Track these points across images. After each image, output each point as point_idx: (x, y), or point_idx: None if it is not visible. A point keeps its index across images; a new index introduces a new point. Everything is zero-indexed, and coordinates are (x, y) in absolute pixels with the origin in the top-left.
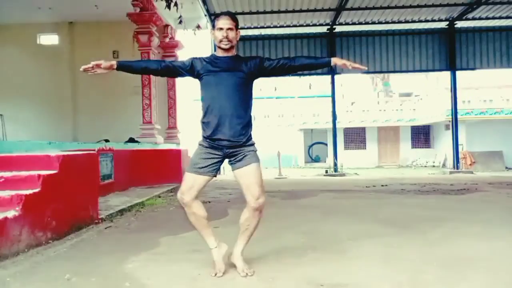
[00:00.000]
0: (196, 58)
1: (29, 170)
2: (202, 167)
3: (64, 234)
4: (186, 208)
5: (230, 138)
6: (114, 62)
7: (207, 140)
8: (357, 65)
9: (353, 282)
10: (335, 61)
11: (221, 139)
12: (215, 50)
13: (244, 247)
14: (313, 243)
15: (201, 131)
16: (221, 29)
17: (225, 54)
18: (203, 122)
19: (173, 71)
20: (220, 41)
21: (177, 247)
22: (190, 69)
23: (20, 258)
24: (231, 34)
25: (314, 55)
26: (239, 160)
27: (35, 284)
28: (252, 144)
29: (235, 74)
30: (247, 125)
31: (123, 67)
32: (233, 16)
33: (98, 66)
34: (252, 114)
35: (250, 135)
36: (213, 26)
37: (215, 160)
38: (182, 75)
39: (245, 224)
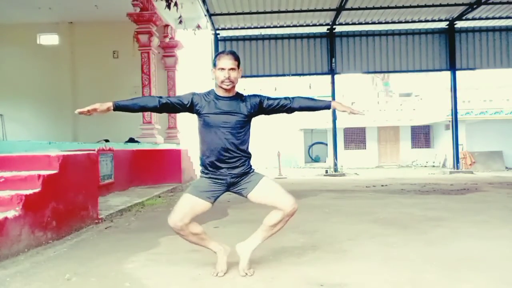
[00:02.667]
0: (196, 94)
1: (29, 170)
2: (205, 191)
3: (64, 234)
4: (181, 233)
5: (232, 172)
6: (110, 104)
7: (209, 173)
8: (356, 111)
9: (353, 282)
10: (335, 105)
11: (223, 174)
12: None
13: (257, 246)
14: (313, 243)
15: (200, 166)
16: (222, 69)
17: (226, 94)
18: (203, 159)
19: (172, 108)
20: (222, 81)
21: (177, 247)
22: (189, 107)
23: (20, 258)
24: (233, 75)
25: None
26: (247, 183)
27: (35, 284)
28: (253, 170)
29: (235, 115)
30: (247, 158)
31: (120, 107)
32: (235, 55)
33: (94, 110)
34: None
35: (251, 165)
36: (214, 65)
37: (218, 188)
38: (181, 112)
39: (272, 226)
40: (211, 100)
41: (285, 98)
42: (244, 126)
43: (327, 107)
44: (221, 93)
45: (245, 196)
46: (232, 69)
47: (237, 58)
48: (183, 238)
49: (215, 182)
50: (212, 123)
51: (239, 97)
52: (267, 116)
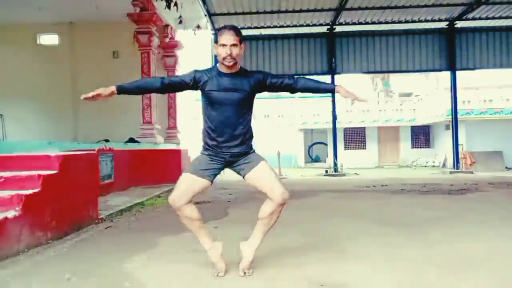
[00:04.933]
0: (198, 71)
1: (29, 170)
2: (204, 169)
3: (64, 234)
4: (178, 212)
5: (232, 151)
6: (113, 88)
7: (209, 150)
8: (360, 98)
9: (353, 282)
10: (338, 89)
11: (224, 152)
12: (216, 61)
13: (260, 243)
14: (313, 243)
15: (202, 142)
16: (224, 45)
17: (229, 71)
18: (205, 135)
19: (174, 87)
20: (224, 58)
21: (177, 247)
22: (192, 84)
23: (20, 258)
24: (235, 51)
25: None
26: (246, 163)
27: (35, 284)
28: (254, 151)
29: (238, 92)
30: (249, 137)
31: (124, 90)
32: (237, 30)
33: (98, 95)
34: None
35: (251, 145)
36: (216, 41)
37: (217, 166)
38: (184, 90)
39: (266, 219)
40: (214, 77)
41: (289, 78)
42: (247, 103)
43: (331, 90)
44: (223, 69)
45: (242, 176)
46: (234, 45)
47: (239, 34)
48: (181, 220)
49: (214, 159)
50: (215, 100)
51: (242, 73)
52: (270, 92)
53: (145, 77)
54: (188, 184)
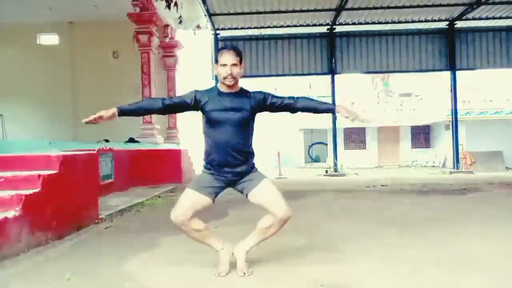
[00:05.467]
0: (198, 92)
1: (29, 170)
2: (207, 187)
3: (64, 234)
4: (182, 227)
5: (234, 170)
6: (114, 110)
7: (212, 169)
8: (361, 118)
9: (353, 282)
10: (339, 110)
11: (225, 171)
12: (216, 82)
13: (251, 248)
14: (313, 243)
15: (203, 162)
16: (225, 65)
17: (229, 90)
18: (207, 156)
19: (175, 108)
20: (224, 78)
21: (177, 247)
22: (193, 105)
23: (20, 258)
24: (236, 70)
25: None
26: (248, 181)
27: (35, 284)
28: (256, 169)
29: (239, 112)
30: (251, 156)
31: (125, 112)
32: (237, 50)
33: (100, 118)
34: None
35: (253, 163)
36: (216, 61)
37: (219, 185)
38: (185, 111)
39: (264, 229)
40: (215, 97)
41: (289, 98)
42: (248, 122)
43: (331, 110)
44: (224, 89)
45: (245, 195)
46: (234, 64)
47: (239, 54)
48: (186, 234)
49: (216, 178)
50: (216, 120)
51: (243, 92)
52: (270, 113)
53: (146, 99)
54: (192, 201)
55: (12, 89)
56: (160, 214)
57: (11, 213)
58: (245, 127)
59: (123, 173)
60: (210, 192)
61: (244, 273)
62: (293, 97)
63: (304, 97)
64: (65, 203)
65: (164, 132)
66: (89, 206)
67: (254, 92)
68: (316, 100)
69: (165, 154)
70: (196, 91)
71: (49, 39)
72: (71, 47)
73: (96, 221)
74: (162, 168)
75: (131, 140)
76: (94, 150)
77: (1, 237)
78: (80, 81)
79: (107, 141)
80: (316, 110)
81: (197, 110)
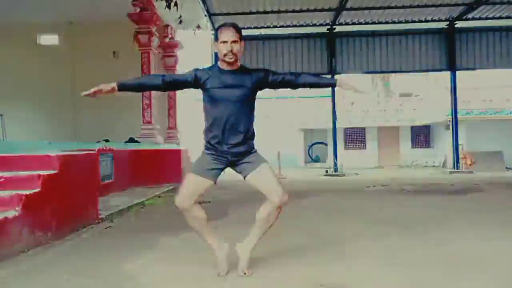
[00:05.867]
0: (199, 69)
1: (29, 170)
2: (208, 169)
3: (64, 234)
4: (185, 213)
5: (234, 150)
6: (114, 85)
7: (212, 149)
8: (361, 90)
9: (353, 282)
10: (340, 83)
11: (225, 151)
12: (216, 60)
13: (255, 245)
14: (313, 243)
15: (204, 141)
16: (225, 42)
17: (230, 68)
18: (207, 134)
19: (175, 85)
20: (225, 55)
21: (177, 247)
22: (193, 83)
23: (20, 258)
24: (236, 47)
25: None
26: (247, 164)
27: (35, 284)
28: (255, 151)
29: (239, 89)
30: (251, 136)
31: (124, 87)
32: (237, 27)
33: (99, 91)
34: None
35: (253, 144)
36: (216, 38)
37: (219, 166)
38: (185, 88)
39: (264, 220)
40: (215, 74)
41: (290, 74)
42: (248, 100)
43: (332, 84)
44: (224, 66)
45: (243, 177)
46: (234, 41)
47: (239, 30)
48: (188, 221)
49: (216, 158)
50: (216, 97)
51: (243, 70)
52: (271, 89)
53: (146, 75)
54: (195, 185)
55: (12, 89)
56: (160, 214)
57: (11, 213)
58: (246, 104)
59: (123, 173)
60: (211, 174)
61: (245, 273)
62: (294, 73)
63: (305, 73)
64: (65, 203)
65: (164, 132)
66: (89, 206)
67: (254, 69)
68: (317, 75)
69: (165, 154)
70: (196, 69)
71: (49, 39)
72: (71, 47)
73: (96, 221)
74: (162, 168)
75: (131, 140)
76: (94, 150)
77: (1, 237)
78: (80, 81)
79: (107, 141)
80: (317, 85)
81: (197, 87)
